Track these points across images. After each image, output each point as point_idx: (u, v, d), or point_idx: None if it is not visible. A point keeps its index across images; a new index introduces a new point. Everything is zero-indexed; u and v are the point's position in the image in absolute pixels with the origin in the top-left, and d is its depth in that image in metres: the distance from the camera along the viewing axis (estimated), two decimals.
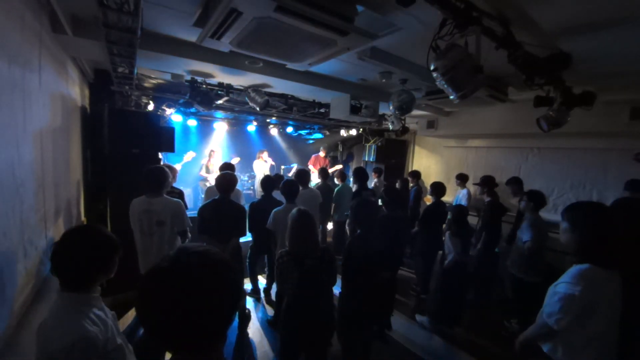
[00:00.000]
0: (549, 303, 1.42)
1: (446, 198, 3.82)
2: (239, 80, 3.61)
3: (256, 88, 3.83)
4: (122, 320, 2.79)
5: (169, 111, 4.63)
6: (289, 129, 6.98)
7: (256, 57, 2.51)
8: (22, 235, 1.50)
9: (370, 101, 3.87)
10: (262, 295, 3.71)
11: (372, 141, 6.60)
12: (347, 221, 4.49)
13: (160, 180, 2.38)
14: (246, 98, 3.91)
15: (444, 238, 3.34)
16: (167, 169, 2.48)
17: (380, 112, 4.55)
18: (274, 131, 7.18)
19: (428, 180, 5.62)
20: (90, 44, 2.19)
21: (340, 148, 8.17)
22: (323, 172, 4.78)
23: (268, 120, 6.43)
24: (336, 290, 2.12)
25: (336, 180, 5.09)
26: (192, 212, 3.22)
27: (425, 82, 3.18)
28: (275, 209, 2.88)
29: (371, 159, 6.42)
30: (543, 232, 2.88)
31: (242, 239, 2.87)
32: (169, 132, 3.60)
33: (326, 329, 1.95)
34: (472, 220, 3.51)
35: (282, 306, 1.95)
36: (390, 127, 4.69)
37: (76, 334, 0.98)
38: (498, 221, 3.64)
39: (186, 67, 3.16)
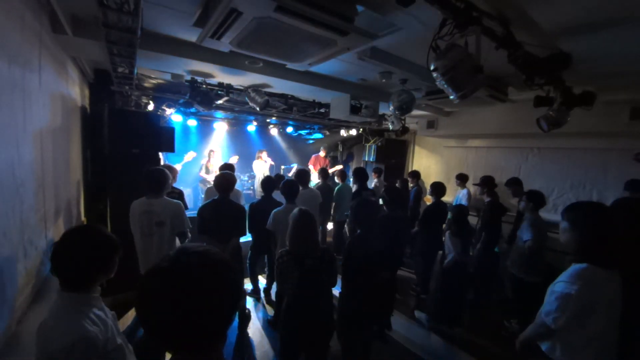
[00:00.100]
0: (546, 302, 1.44)
1: (446, 198, 3.82)
2: (239, 80, 3.61)
3: (256, 88, 3.83)
4: (122, 320, 2.78)
5: (169, 111, 4.63)
6: (289, 129, 6.99)
7: (256, 57, 2.51)
8: (22, 235, 1.50)
9: (370, 101, 3.87)
10: (262, 295, 3.71)
11: (372, 141, 6.60)
12: (347, 221, 4.50)
13: (160, 182, 2.37)
14: (246, 98, 3.91)
15: (444, 238, 3.34)
16: (167, 171, 2.48)
17: (380, 112, 4.55)
18: (274, 131, 7.19)
19: (428, 180, 5.62)
20: (90, 44, 2.19)
21: (340, 148, 8.17)
22: (323, 172, 4.78)
23: (268, 120, 6.43)
24: (336, 290, 2.12)
25: (336, 179, 5.09)
26: (192, 212, 3.22)
27: (425, 82, 3.18)
28: (275, 210, 2.88)
29: (371, 159, 6.42)
30: (543, 231, 2.88)
31: (242, 239, 2.87)
32: (169, 132, 3.59)
33: (326, 329, 1.95)
34: (472, 220, 3.51)
35: (282, 306, 1.95)
36: (390, 127, 4.70)
37: (76, 334, 0.98)
38: (498, 221, 3.64)
39: (186, 67, 3.16)
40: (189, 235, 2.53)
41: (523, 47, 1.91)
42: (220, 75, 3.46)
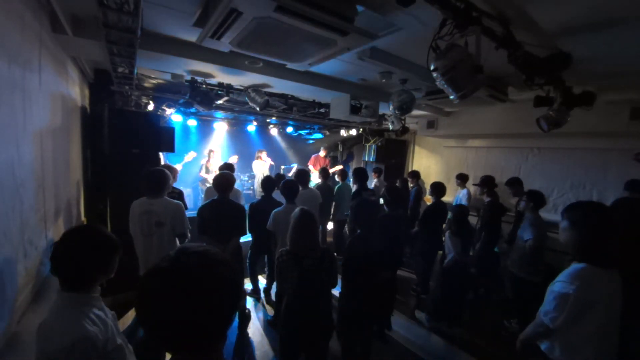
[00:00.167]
0: (545, 301, 1.44)
1: (446, 198, 3.82)
2: (239, 80, 3.61)
3: (256, 88, 3.83)
4: (122, 320, 2.78)
5: (169, 111, 4.63)
6: (289, 129, 6.98)
7: (256, 57, 2.51)
8: (22, 235, 1.50)
9: (370, 101, 3.87)
10: (262, 295, 3.71)
11: (372, 141, 6.60)
12: (347, 220, 4.50)
13: (160, 182, 2.37)
14: (246, 98, 3.91)
15: (443, 238, 3.34)
16: (167, 171, 2.48)
17: (380, 112, 4.55)
18: (274, 131, 7.19)
19: (428, 180, 5.62)
20: (90, 44, 2.19)
21: (340, 148, 8.17)
22: (324, 172, 4.78)
23: (268, 120, 6.43)
24: (336, 290, 2.12)
25: (337, 178, 5.09)
26: (192, 212, 3.22)
27: (425, 82, 3.18)
28: (275, 210, 2.88)
29: (371, 159, 6.42)
30: (543, 231, 2.89)
31: (242, 239, 2.87)
32: (169, 132, 3.60)
33: (325, 329, 1.95)
34: (472, 220, 3.51)
35: (282, 306, 1.95)
36: (390, 127, 4.70)
37: (76, 334, 0.98)
38: (498, 221, 3.64)
39: (186, 67, 3.16)
40: (189, 236, 2.53)
41: (523, 47, 1.91)
42: (220, 75, 3.46)
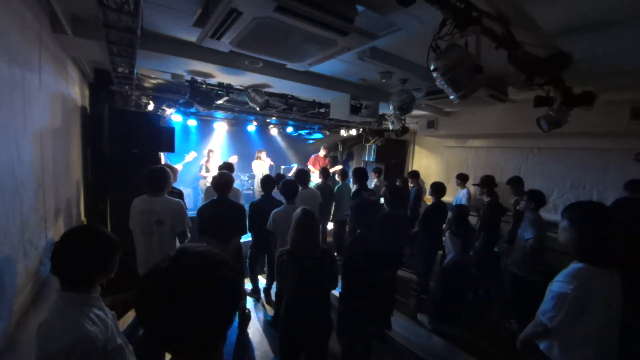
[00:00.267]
0: (544, 301, 1.45)
1: (446, 198, 3.82)
2: (239, 80, 3.61)
3: (256, 88, 3.83)
4: (122, 320, 2.79)
5: (169, 111, 4.63)
6: (289, 129, 6.98)
7: (256, 57, 2.51)
8: (22, 235, 1.50)
9: (370, 101, 3.87)
10: (262, 295, 3.71)
11: (372, 141, 6.60)
12: (347, 220, 4.50)
13: (161, 181, 2.38)
14: (246, 98, 3.91)
15: (444, 238, 3.34)
16: (168, 170, 2.48)
17: (380, 112, 4.55)
18: (274, 131, 7.19)
19: (428, 180, 5.62)
20: (90, 44, 2.19)
21: (340, 148, 8.17)
22: (324, 172, 4.78)
23: (268, 120, 6.43)
24: (336, 290, 2.12)
25: (337, 178, 5.09)
26: (192, 212, 3.22)
27: (425, 82, 3.18)
28: (275, 210, 2.88)
29: (371, 159, 6.42)
30: (544, 230, 2.89)
31: (242, 239, 2.87)
32: (169, 132, 3.60)
33: (324, 329, 1.95)
34: (472, 220, 3.51)
35: (281, 306, 1.95)
36: (390, 127, 4.69)
37: (76, 334, 0.98)
38: (497, 221, 3.64)
39: (186, 67, 3.16)
40: (189, 235, 2.53)
41: (523, 47, 1.91)
42: (220, 75, 3.46)
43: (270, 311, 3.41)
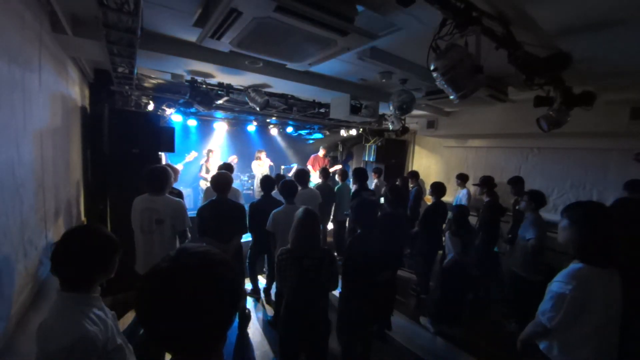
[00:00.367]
0: (543, 301, 1.45)
1: (446, 198, 3.82)
2: (239, 80, 3.61)
3: (256, 88, 3.83)
4: (122, 320, 2.78)
5: (169, 111, 4.63)
6: (289, 129, 6.98)
7: (256, 57, 2.51)
8: (22, 235, 1.50)
9: (370, 101, 3.87)
10: (262, 295, 3.71)
11: (372, 141, 6.60)
12: (347, 220, 4.50)
13: (161, 180, 2.38)
14: (246, 98, 3.91)
15: (444, 238, 3.33)
16: (169, 169, 2.49)
17: (380, 112, 4.55)
18: (274, 131, 7.19)
19: (428, 180, 5.62)
20: (90, 44, 2.19)
21: (340, 148, 8.17)
22: (324, 172, 4.78)
23: (268, 120, 6.43)
24: (336, 290, 2.12)
25: (337, 178, 5.09)
26: (192, 212, 3.22)
27: (425, 82, 3.17)
28: (274, 210, 2.88)
29: (371, 159, 6.42)
30: (544, 230, 2.89)
31: (242, 239, 2.88)
32: (169, 132, 3.60)
33: (323, 329, 1.95)
34: (472, 220, 3.51)
35: (281, 306, 1.95)
36: (390, 127, 4.69)
37: (76, 334, 0.98)
38: (496, 221, 3.64)
39: (186, 67, 3.16)
40: (189, 235, 2.54)
41: (523, 47, 1.91)
42: (220, 75, 3.46)
43: (270, 311, 3.41)
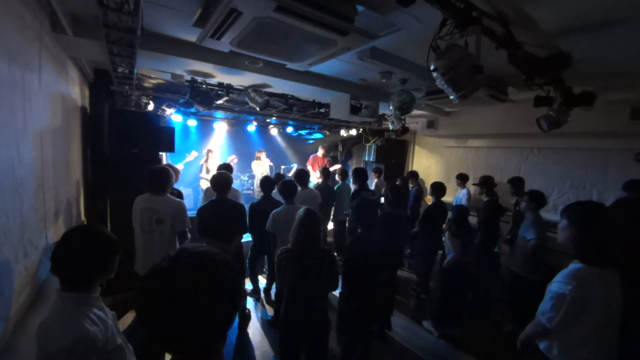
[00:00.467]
0: (543, 301, 1.45)
1: (446, 198, 3.82)
2: (239, 80, 3.61)
3: (256, 88, 3.83)
4: (122, 320, 2.79)
5: (169, 111, 4.63)
6: (289, 129, 6.98)
7: (256, 57, 2.51)
8: (22, 236, 1.50)
9: (370, 101, 3.87)
10: (262, 295, 3.71)
11: (372, 141, 6.60)
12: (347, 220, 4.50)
13: (161, 180, 2.39)
14: (246, 98, 3.91)
15: (443, 238, 3.34)
16: (170, 169, 2.49)
17: (380, 112, 4.55)
18: (274, 131, 7.19)
19: (428, 180, 5.62)
20: (90, 44, 2.19)
21: (340, 148, 8.17)
22: (324, 172, 4.78)
23: (268, 120, 6.43)
24: (336, 291, 2.12)
25: (337, 178, 5.09)
26: (192, 213, 3.22)
27: (425, 82, 3.17)
28: (274, 211, 2.87)
29: (371, 159, 6.42)
30: (545, 230, 2.89)
31: (242, 239, 2.88)
32: (169, 132, 3.60)
33: (323, 329, 1.95)
34: (473, 220, 3.51)
35: (281, 306, 1.95)
36: (390, 127, 4.69)
37: (76, 334, 0.98)
38: (495, 221, 3.64)
39: (186, 67, 3.16)
40: (189, 236, 2.54)
41: (523, 47, 1.91)
42: (220, 75, 3.46)
43: (270, 311, 3.41)
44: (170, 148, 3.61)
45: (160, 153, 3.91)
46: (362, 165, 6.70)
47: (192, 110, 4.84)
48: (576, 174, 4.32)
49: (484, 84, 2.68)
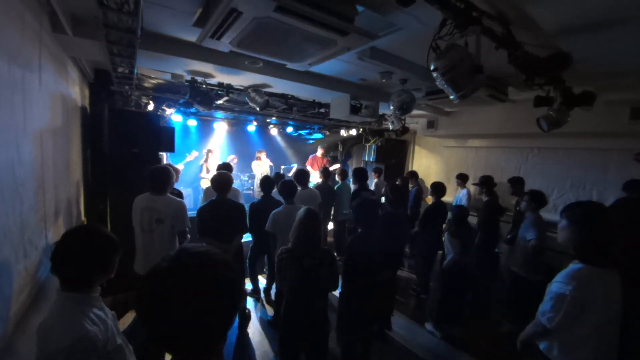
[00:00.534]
0: (543, 301, 1.45)
1: (446, 198, 3.82)
2: (239, 80, 3.61)
3: (256, 88, 3.83)
4: (122, 320, 2.79)
5: (169, 111, 4.63)
6: (289, 129, 6.98)
7: (256, 57, 2.51)
8: (22, 236, 1.50)
9: (370, 101, 3.87)
10: (262, 295, 3.71)
11: (372, 141, 6.60)
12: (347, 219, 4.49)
13: (161, 180, 2.39)
14: (246, 98, 3.91)
15: (443, 238, 3.33)
16: (171, 169, 2.49)
17: (380, 112, 4.55)
18: (274, 131, 7.19)
19: (428, 180, 5.61)
20: (90, 44, 2.19)
21: (340, 148, 8.17)
22: (325, 172, 4.78)
23: (268, 120, 6.43)
24: (336, 291, 2.12)
25: (337, 178, 5.09)
26: (192, 212, 3.22)
27: (425, 82, 3.17)
28: (274, 211, 2.87)
29: (371, 159, 6.42)
30: (545, 230, 2.89)
31: (242, 239, 2.87)
32: (169, 132, 3.60)
33: (323, 328, 1.95)
34: (473, 220, 3.51)
35: (281, 305, 1.95)
36: (390, 127, 4.69)
37: (76, 334, 0.98)
38: (495, 221, 3.64)
39: (186, 67, 3.16)
40: (189, 236, 2.54)
41: (523, 47, 1.91)
42: (220, 75, 3.46)
43: (270, 311, 3.41)
44: (170, 148, 3.61)
45: (160, 153, 3.92)
46: (362, 165, 6.69)
47: (192, 110, 4.84)
48: (576, 174, 4.32)
49: (484, 84, 2.68)
